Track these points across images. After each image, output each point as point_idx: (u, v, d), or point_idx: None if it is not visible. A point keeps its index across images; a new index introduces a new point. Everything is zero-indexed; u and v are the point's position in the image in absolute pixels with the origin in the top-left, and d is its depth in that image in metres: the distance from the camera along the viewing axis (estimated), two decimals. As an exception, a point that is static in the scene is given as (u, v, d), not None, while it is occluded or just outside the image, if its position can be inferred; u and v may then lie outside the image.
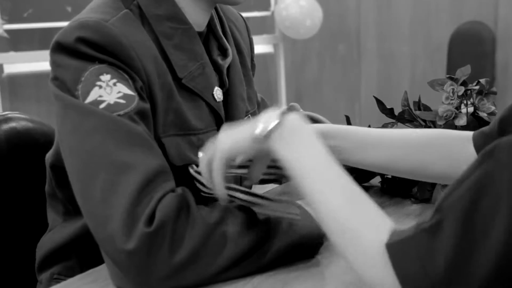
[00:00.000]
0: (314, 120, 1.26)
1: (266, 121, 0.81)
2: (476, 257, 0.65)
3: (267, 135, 0.81)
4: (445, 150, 0.97)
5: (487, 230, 0.65)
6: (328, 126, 1.00)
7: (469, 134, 0.96)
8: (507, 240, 0.64)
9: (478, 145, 0.95)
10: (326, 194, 0.76)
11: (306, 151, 0.79)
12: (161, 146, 0.96)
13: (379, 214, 0.75)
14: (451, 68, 3.72)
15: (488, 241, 0.65)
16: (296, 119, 0.81)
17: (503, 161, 0.65)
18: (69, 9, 3.17)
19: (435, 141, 0.98)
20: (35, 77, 3.57)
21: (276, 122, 0.81)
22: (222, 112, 1.06)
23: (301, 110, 1.28)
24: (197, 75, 1.02)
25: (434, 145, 0.97)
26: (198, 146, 0.99)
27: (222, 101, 1.07)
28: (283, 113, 0.81)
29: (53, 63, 0.93)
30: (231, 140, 0.85)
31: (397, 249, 0.69)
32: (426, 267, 0.67)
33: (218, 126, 1.06)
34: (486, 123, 1.13)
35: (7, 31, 3.16)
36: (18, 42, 3.45)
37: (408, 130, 1.02)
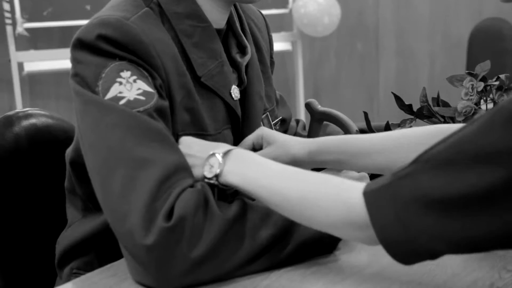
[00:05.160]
0: (332, 117, 1.26)
1: (211, 164, 0.89)
2: (448, 205, 0.65)
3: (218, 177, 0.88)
4: None
5: (463, 181, 0.65)
6: (322, 142, 1.01)
7: None
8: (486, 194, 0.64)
9: None
10: (290, 194, 0.81)
11: (257, 172, 0.86)
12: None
13: (345, 181, 0.78)
14: (471, 65, 3.69)
15: (462, 190, 0.65)
16: (238, 153, 0.88)
17: (484, 122, 0.66)
18: (88, 7, 3.19)
19: (434, 137, 0.96)
20: (54, 75, 3.60)
21: (220, 162, 0.88)
22: (238, 110, 1.07)
23: (319, 106, 1.28)
24: (215, 74, 1.02)
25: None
26: None
27: (240, 99, 1.08)
28: (224, 153, 0.88)
29: (73, 59, 0.94)
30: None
31: (373, 196, 0.70)
32: (400, 214, 0.67)
33: (233, 124, 1.06)
34: (506, 119, 1.12)
35: (27, 29, 3.19)
36: (38, 40, 3.48)
37: (407, 130, 1.01)
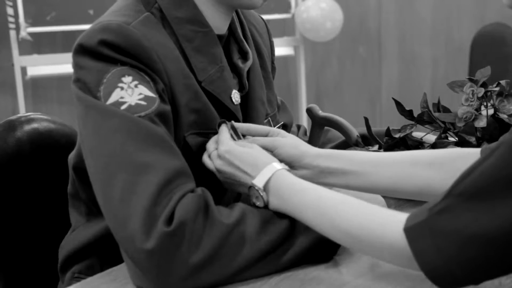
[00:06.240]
0: (333, 122, 1.26)
1: (255, 195, 0.91)
2: (486, 237, 0.69)
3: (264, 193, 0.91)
4: (455, 166, 0.94)
5: (498, 212, 0.68)
6: (330, 151, 1.02)
7: (478, 150, 0.96)
8: None
9: None
10: (332, 222, 0.84)
11: (299, 196, 0.88)
12: (186, 144, 0.97)
13: (386, 211, 0.81)
14: (473, 70, 3.68)
15: (498, 222, 0.68)
16: (276, 185, 0.90)
17: (503, 152, 0.69)
18: (91, 12, 3.20)
19: (442, 159, 0.96)
20: (57, 80, 3.60)
21: (262, 195, 0.90)
22: (239, 115, 1.07)
23: (320, 112, 1.28)
24: (216, 78, 1.02)
25: (443, 163, 0.96)
26: None
27: (242, 104, 1.08)
28: (264, 186, 0.90)
29: (75, 65, 0.95)
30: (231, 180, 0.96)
31: (413, 233, 0.74)
32: (441, 249, 0.71)
33: None
34: (507, 124, 1.13)
35: (31, 34, 3.20)
36: (41, 45, 3.49)
37: (416, 151, 1.02)
